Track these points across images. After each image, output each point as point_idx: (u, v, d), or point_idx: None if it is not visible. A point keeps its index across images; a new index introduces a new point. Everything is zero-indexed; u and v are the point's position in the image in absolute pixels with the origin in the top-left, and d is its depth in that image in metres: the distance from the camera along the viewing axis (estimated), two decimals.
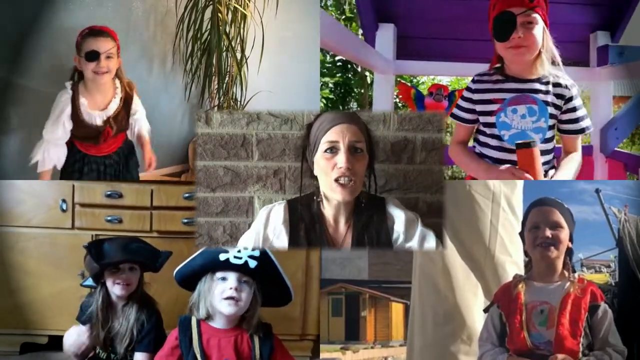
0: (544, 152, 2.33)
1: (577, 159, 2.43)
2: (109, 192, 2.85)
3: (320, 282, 3.02)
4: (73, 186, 2.88)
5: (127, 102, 2.85)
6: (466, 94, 2.44)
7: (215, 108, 3.50)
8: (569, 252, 1.99)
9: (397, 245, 1.84)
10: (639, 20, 3.79)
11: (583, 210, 2.57)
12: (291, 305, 2.23)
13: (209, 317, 2.04)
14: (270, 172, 2.11)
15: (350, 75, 6.64)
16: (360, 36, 4.41)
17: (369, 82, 6.28)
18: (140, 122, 2.95)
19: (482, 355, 1.99)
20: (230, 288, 1.97)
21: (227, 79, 3.51)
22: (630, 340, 1.96)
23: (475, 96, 2.39)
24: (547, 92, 2.33)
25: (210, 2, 3.36)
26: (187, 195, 2.87)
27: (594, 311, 1.91)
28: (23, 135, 3.01)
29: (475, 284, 2.41)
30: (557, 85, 2.34)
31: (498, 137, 2.34)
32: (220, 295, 1.98)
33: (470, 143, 2.54)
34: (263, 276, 2.00)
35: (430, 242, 1.84)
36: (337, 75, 6.59)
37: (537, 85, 2.33)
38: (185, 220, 2.87)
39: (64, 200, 2.85)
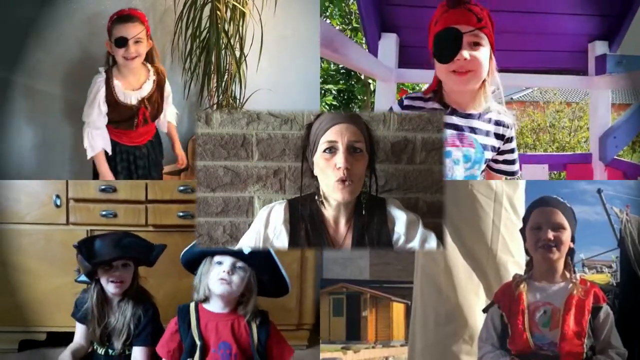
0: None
1: None
2: (103, 187, 2.90)
3: (315, 272, 3.12)
4: (67, 181, 2.93)
5: (160, 85, 2.97)
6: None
7: (215, 106, 3.52)
8: (571, 253, 2.01)
9: (398, 246, 1.84)
10: (636, 30, 3.84)
11: (584, 210, 2.59)
12: (287, 296, 2.28)
13: (206, 299, 2.14)
14: (270, 172, 2.13)
15: (353, 83, 6.71)
16: (364, 45, 4.46)
17: (371, 89, 6.33)
18: (170, 107, 3.11)
19: (483, 357, 2.01)
20: (224, 271, 2.06)
21: (226, 77, 3.52)
22: (632, 341, 1.99)
23: None
24: (487, 133, 2.20)
25: (209, 0, 3.37)
26: (182, 188, 2.93)
27: (597, 313, 1.93)
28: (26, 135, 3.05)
29: (477, 284, 2.43)
30: (498, 123, 2.21)
31: None
32: (215, 277, 2.07)
33: None
34: (259, 264, 2.08)
35: (431, 243, 1.85)
36: (341, 82, 6.65)
37: (477, 123, 2.18)
38: (181, 214, 2.94)
39: (57, 196, 2.90)
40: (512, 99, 10.69)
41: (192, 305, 2.16)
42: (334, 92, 6.74)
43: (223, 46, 3.45)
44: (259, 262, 2.09)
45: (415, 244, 1.85)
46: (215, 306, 2.14)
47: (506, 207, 2.38)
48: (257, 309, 2.16)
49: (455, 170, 2.18)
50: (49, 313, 2.96)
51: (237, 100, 3.52)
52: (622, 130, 3.99)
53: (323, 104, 6.44)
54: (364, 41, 4.49)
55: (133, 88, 2.89)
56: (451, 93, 2.18)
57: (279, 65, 3.62)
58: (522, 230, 2.08)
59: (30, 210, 2.93)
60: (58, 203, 2.91)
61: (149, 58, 2.97)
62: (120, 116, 2.89)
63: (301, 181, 1.92)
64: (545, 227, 1.99)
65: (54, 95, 3.03)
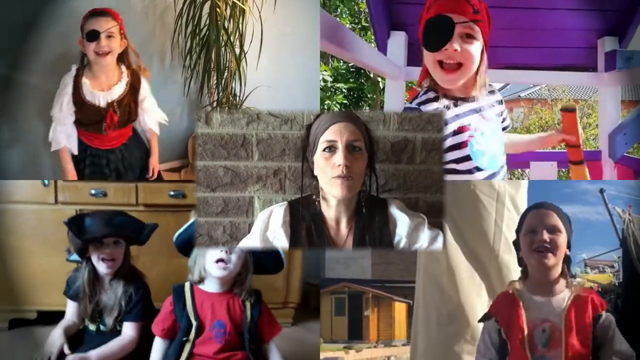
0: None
1: None
2: (93, 191, 2.94)
3: (302, 252, 3.14)
4: (55, 181, 2.95)
5: (134, 88, 2.88)
6: None
7: (214, 103, 3.54)
8: (567, 260, 1.96)
9: (400, 248, 1.85)
10: None
11: (586, 210, 2.62)
12: (275, 275, 2.32)
13: (201, 280, 2.19)
14: (270, 172, 2.15)
15: (363, 81, 6.75)
16: (373, 44, 4.48)
17: (381, 87, 6.35)
18: (149, 113, 2.99)
19: None
20: (221, 251, 2.11)
21: (226, 74, 3.54)
22: (634, 341, 1.94)
23: None
24: (492, 105, 2.29)
25: None
26: (172, 193, 2.97)
27: (597, 321, 1.89)
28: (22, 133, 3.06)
29: (479, 284, 2.45)
30: (491, 92, 2.31)
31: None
32: (212, 259, 2.11)
33: None
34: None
35: (439, 242, 1.85)
36: (351, 81, 6.70)
37: (485, 100, 2.26)
38: (172, 193, 2.97)
39: None
40: (519, 96, 10.67)
41: (187, 285, 2.21)
42: (344, 90, 6.78)
43: (223, 43, 3.46)
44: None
45: (422, 244, 1.85)
46: (211, 286, 2.20)
47: (508, 207, 2.39)
48: (252, 288, 2.22)
49: (490, 145, 2.21)
50: (39, 292, 3.00)
51: (237, 98, 3.54)
52: (632, 127, 3.96)
53: (334, 102, 6.47)
54: (373, 40, 4.51)
55: (102, 89, 2.81)
56: (443, 84, 2.17)
57: (278, 63, 3.65)
58: (516, 243, 2.03)
59: (18, 190, 2.95)
60: (46, 182, 2.94)
61: (124, 60, 2.88)
62: (88, 118, 2.82)
63: (302, 181, 1.93)
64: (541, 228, 1.94)
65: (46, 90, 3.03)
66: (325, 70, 6.34)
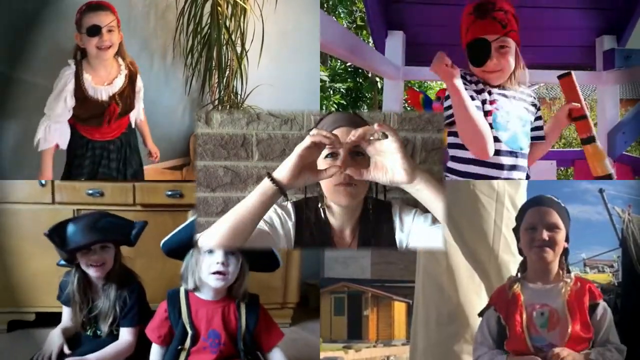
0: (524, 156, 2.40)
1: None
2: (90, 191, 2.91)
3: (300, 252, 3.11)
4: (52, 181, 2.92)
5: (132, 79, 2.88)
6: None
7: (216, 102, 3.53)
8: (565, 252, 1.99)
9: (403, 249, 1.87)
10: None
11: (586, 210, 2.60)
12: (272, 275, 2.28)
13: (196, 288, 2.12)
14: (270, 172, 2.12)
15: (361, 81, 6.71)
16: (370, 43, 4.46)
17: (379, 87, 6.33)
18: (140, 103, 2.99)
19: (478, 358, 2.01)
20: (218, 262, 2.03)
21: (227, 72, 3.53)
22: (634, 341, 1.98)
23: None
24: (524, 100, 2.42)
25: None
26: (170, 192, 2.94)
27: (593, 309, 1.91)
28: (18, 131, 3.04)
29: (479, 284, 2.43)
30: (529, 94, 2.45)
31: None
32: (208, 270, 2.04)
33: None
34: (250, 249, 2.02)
35: (435, 237, 1.85)
36: (349, 80, 6.66)
37: (518, 93, 2.41)
38: (170, 193, 2.94)
39: None
40: None
41: (182, 291, 2.15)
42: (342, 90, 6.75)
43: (224, 42, 3.46)
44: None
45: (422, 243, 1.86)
46: (206, 294, 2.13)
47: (508, 207, 2.38)
48: (247, 291, 2.16)
49: (515, 126, 2.34)
50: (37, 294, 2.98)
51: (239, 96, 3.54)
52: (630, 126, 3.96)
53: (331, 102, 6.44)
54: (370, 39, 4.50)
55: (103, 83, 2.79)
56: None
57: (280, 61, 3.64)
58: (516, 230, 2.07)
59: (14, 190, 2.94)
60: (43, 182, 2.91)
61: (120, 52, 2.85)
62: (89, 112, 2.80)
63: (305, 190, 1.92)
64: (540, 227, 1.97)
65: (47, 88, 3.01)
66: (323, 71, 6.31)
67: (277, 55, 3.60)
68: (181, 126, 3.70)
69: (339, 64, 6.70)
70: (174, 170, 3.55)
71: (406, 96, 4.28)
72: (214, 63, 3.47)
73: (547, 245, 1.96)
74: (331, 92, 6.61)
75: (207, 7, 3.40)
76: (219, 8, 3.38)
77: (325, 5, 6.09)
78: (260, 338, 2.18)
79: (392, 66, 3.89)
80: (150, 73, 3.44)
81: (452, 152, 2.38)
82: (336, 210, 1.87)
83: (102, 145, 2.89)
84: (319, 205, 1.90)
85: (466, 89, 2.27)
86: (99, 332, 2.31)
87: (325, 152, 1.78)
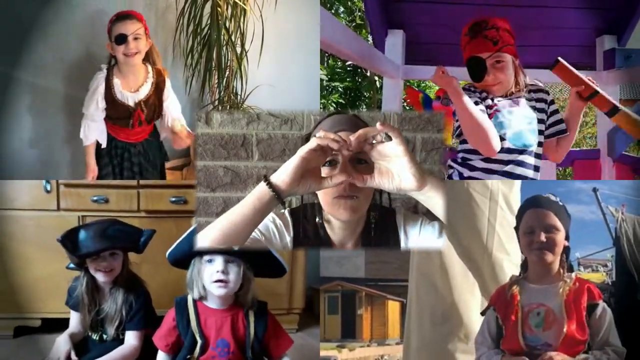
0: (536, 155, 2.40)
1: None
2: (95, 198, 2.87)
3: (305, 257, 3.07)
4: (57, 181, 2.89)
5: (158, 87, 2.93)
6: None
7: (216, 102, 3.49)
8: (566, 251, 1.96)
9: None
10: None
11: (580, 209, 2.58)
12: (278, 281, 2.24)
13: (203, 297, 2.07)
14: (270, 172, 2.01)
15: (359, 80, 6.64)
16: (369, 42, 4.41)
17: (378, 86, 6.26)
18: (172, 114, 3.00)
19: (479, 359, 1.98)
20: (217, 271, 1.97)
21: (227, 73, 3.48)
22: (628, 340, 1.92)
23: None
24: (530, 99, 2.44)
25: None
26: (174, 199, 2.91)
27: (592, 310, 1.88)
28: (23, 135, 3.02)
29: (472, 283, 2.41)
30: (535, 91, 2.48)
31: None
32: (210, 278, 1.99)
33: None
34: (250, 254, 1.98)
35: (433, 236, 1.74)
36: (347, 79, 6.59)
37: (522, 94, 2.44)
38: (174, 199, 2.90)
39: (47, 181, 2.87)
40: None
41: (190, 300, 2.09)
42: (340, 89, 6.68)
43: (224, 43, 3.41)
44: (249, 252, 1.95)
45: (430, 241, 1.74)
46: (213, 303, 2.08)
47: (502, 205, 2.36)
48: (256, 299, 2.10)
49: (519, 124, 2.36)
50: (43, 299, 2.93)
51: (239, 96, 3.49)
52: None
53: (329, 101, 6.38)
54: (369, 38, 4.45)
55: (131, 89, 2.87)
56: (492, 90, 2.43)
57: (279, 61, 3.58)
58: (516, 228, 2.04)
59: (19, 196, 2.90)
60: (48, 188, 2.88)
61: (149, 58, 2.94)
62: (117, 113, 2.88)
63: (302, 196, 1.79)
64: (539, 230, 1.94)
65: (55, 91, 2.98)
66: (321, 70, 6.25)
67: (277, 56, 3.55)
68: None
69: (337, 62, 6.65)
70: (174, 171, 3.48)
71: (405, 95, 4.22)
72: (213, 63, 3.42)
73: (545, 248, 1.93)
74: (329, 90, 6.55)
75: (207, 8, 3.36)
76: (219, 9, 3.33)
77: (325, 2, 6.04)
78: (269, 346, 2.13)
79: (392, 65, 3.84)
80: None
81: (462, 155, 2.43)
82: (336, 224, 1.72)
83: (123, 146, 2.96)
84: (317, 220, 1.74)
85: (470, 97, 2.29)
86: (105, 336, 2.30)
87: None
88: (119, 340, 2.28)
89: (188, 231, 2.04)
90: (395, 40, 3.99)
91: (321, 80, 6.27)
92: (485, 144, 2.26)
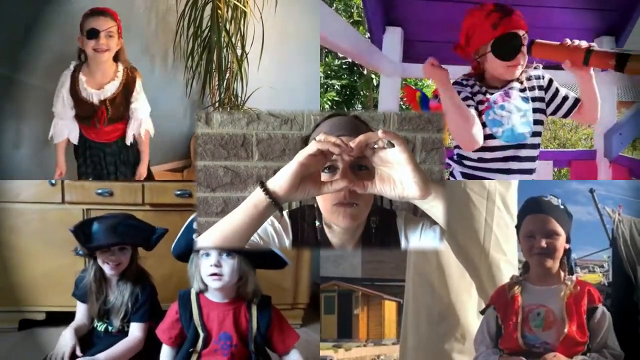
0: (530, 146, 2.34)
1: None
2: (99, 191, 2.83)
3: (310, 252, 3.02)
4: (62, 181, 2.85)
5: (126, 88, 2.83)
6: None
7: (217, 104, 3.46)
8: (567, 253, 1.94)
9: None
10: None
11: (576, 210, 2.52)
12: (283, 276, 2.22)
13: (203, 290, 2.05)
14: (270, 172, 2.07)
15: (356, 78, 6.59)
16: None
17: (375, 84, 6.21)
18: (138, 116, 2.89)
19: (477, 358, 1.95)
20: (211, 265, 1.95)
21: (227, 75, 3.45)
22: (624, 341, 1.89)
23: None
24: (524, 89, 2.35)
25: (210, 0, 3.31)
26: (179, 192, 2.85)
27: (592, 313, 1.86)
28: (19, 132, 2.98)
29: (469, 283, 2.36)
30: (529, 78, 2.37)
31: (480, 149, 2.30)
32: (206, 272, 1.98)
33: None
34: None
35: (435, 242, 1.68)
36: (344, 77, 6.53)
37: (515, 84, 2.34)
38: (178, 192, 2.85)
39: None
40: None
41: (193, 293, 2.07)
42: (337, 87, 6.63)
43: (224, 45, 3.38)
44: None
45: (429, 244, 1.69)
46: (215, 296, 2.06)
47: (499, 205, 2.32)
48: (258, 291, 2.07)
49: (512, 119, 2.28)
50: (47, 293, 2.90)
51: (239, 98, 3.46)
52: (628, 127, 3.88)
53: (325, 99, 6.33)
54: (367, 35, 4.39)
55: (96, 87, 2.78)
56: (493, 78, 2.35)
57: (280, 63, 3.57)
58: (517, 227, 2.02)
59: (24, 189, 2.86)
60: (53, 182, 2.85)
61: (120, 58, 2.84)
62: (82, 111, 2.80)
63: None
64: (539, 235, 1.91)
65: (46, 90, 2.93)
66: None
67: (277, 58, 3.53)
68: (182, 128, 3.62)
69: (334, 60, 6.60)
70: (175, 173, 3.49)
71: (403, 93, 4.16)
72: (214, 66, 3.39)
73: (546, 254, 1.91)
74: (325, 88, 6.49)
75: (207, 11, 3.33)
76: (219, 11, 3.30)
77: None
78: (274, 340, 2.09)
79: (390, 62, 3.78)
80: (151, 76, 3.36)
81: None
82: (336, 229, 1.65)
83: (98, 147, 2.88)
84: (317, 224, 1.68)
85: (461, 92, 2.25)
86: (110, 328, 2.29)
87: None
88: (123, 332, 2.28)
89: (184, 226, 2.04)
90: (393, 38, 3.93)
91: None
92: (466, 138, 2.20)
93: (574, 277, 1.92)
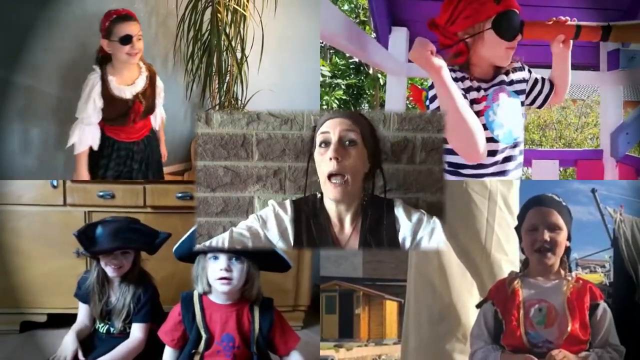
0: (520, 142, 2.25)
1: None
2: (101, 193, 2.82)
3: (312, 254, 3.00)
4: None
5: (152, 80, 2.88)
6: None
7: (217, 107, 3.44)
8: (567, 251, 1.91)
9: (405, 249, 1.74)
10: None
11: (578, 210, 2.50)
12: (284, 278, 2.23)
13: (208, 292, 2.04)
14: (270, 172, 2.02)
15: (362, 77, 6.58)
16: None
17: (381, 83, 6.20)
18: (159, 106, 2.98)
19: (474, 353, 1.91)
20: (221, 269, 1.95)
21: (227, 78, 3.44)
22: (625, 340, 1.87)
23: None
24: (511, 82, 2.21)
25: (210, 4, 3.29)
26: (180, 195, 2.84)
27: (594, 310, 1.84)
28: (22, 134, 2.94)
29: (471, 283, 2.34)
30: (514, 70, 2.22)
31: None
32: (214, 275, 1.96)
33: None
34: (255, 251, 1.93)
35: (438, 234, 1.72)
36: (351, 77, 6.52)
37: (502, 77, 2.19)
38: (180, 195, 2.84)
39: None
40: None
41: (196, 295, 2.06)
42: (343, 86, 6.61)
43: (224, 48, 3.36)
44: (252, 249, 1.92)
45: (423, 239, 1.72)
46: (218, 298, 2.05)
47: (500, 205, 2.29)
48: (261, 294, 2.08)
49: (508, 119, 2.15)
50: (49, 295, 2.89)
51: (239, 101, 3.44)
52: (634, 127, 3.87)
53: (332, 98, 6.31)
54: (373, 35, 4.38)
55: (127, 83, 2.79)
56: (480, 67, 2.15)
57: (279, 66, 3.56)
58: (518, 230, 1.98)
59: (26, 192, 2.84)
60: (55, 184, 2.83)
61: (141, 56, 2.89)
62: (116, 111, 2.78)
63: (306, 180, 1.85)
64: (542, 227, 1.88)
65: (50, 94, 2.92)
66: (324, 66, 6.17)
67: (277, 61, 3.52)
68: (182, 131, 3.60)
69: (340, 59, 6.59)
70: (176, 176, 3.48)
71: (409, 93, 4.14)
72: (214, 69, 3.37)
73: (548, 249, 1.88)
74: (332, 87, 6.47)
75: (207, 14, 3.31)
76: (219, 15, 3.28)
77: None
78: (275, 342, 2.09)
79: (396, 62, 3.76)
80: None
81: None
82: (332, 201, 1.76)
83: (126, 147, 2.86)
84: (318, 196, 1.79)
85: None
86: (112, 329, 2.29)
87: (319, 140, 1.72)
88: (125, 334, 2.27)
89: (192, 229, 2.03)
90: (399, 38, 3.92)
91: (324, 76, 6.21)
92: (470, 149, 1.94)
93: (573, 274, 1.89)
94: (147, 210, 2.86)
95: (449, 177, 2.25)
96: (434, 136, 2.03)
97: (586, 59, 4.04)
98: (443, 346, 2.34)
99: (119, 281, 2.27)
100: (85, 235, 2.18)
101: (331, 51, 5.93)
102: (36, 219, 2.86)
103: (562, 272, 1.89)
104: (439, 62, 1.86)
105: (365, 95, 6.79)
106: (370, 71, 6.48)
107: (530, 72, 2.29)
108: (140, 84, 2.82)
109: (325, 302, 3.55)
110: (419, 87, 4.09)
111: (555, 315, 1.82)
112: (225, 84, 3.44)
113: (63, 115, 2.92)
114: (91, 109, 2.71)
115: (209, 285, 2.01)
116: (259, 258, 2.01)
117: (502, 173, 2.24)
